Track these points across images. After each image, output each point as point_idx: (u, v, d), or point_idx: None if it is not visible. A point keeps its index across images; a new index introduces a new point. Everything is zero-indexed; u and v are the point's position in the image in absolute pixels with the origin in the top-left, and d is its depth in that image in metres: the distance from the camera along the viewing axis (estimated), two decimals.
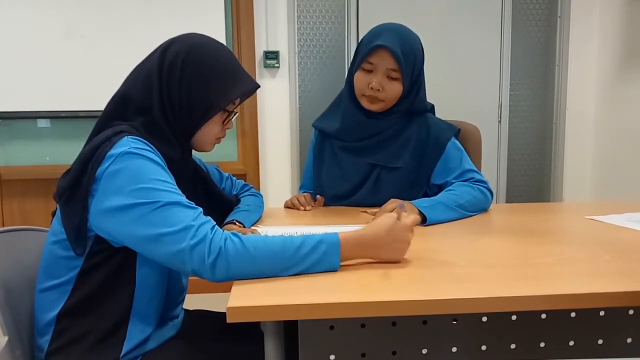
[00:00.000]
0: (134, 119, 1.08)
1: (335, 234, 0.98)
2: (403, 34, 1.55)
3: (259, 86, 1.20)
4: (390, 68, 1.52)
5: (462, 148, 1.63)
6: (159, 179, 0.98)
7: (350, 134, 1.64)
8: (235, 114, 1.20)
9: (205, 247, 0.92)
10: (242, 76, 1.16)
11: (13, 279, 1.09)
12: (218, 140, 1.21)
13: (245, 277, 0.94)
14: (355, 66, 1.58)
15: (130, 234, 0.96)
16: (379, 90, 1.53)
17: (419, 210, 1.36)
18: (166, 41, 1.13)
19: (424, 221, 1.37)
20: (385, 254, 1.01)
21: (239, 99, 1.17)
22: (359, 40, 1.62)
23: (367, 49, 1.53)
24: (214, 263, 0.92)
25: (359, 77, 1.57)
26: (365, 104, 1.58)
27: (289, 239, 0.96)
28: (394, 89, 1.55)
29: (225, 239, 0.94)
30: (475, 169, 1.61)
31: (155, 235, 0.94)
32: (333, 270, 0.97)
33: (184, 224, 0.94)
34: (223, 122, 1.17)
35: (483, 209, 1.55)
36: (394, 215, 1.02)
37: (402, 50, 1.51)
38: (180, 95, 1.08)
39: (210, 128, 1.15)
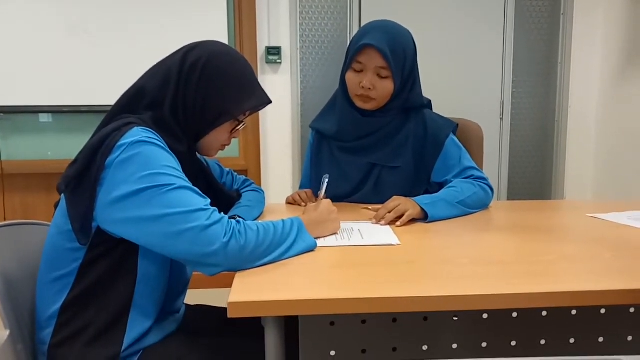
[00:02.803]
0: (143, 113, 1.09)
1: (297, 217, 1.12)
2: (391, 31, 1.53)
3: (271, 102, 1.23)
4: (380, 66, 1.51)
5: (461, 144, 1.63)
6: (170, 166, 0.99)
7: (348, 134, 1.64)
8: (243, 125, 1.22)
9: (222, 226, 0.96)
10: (257, 89, 1.20)
11: (14, 273, 1.10)
12: (223, 147, 1.23)
13: (252, 258, 0.99)
14: (345, 66, 1.59)
15: (137, 218, 0.95)
16: (370, 89, 1.53)
17: (421, 208, 1.36)
18: (190, 44, 1.16)
19: (425, 218, 1.37)
20: (324, 229, 1.19)
21: (249, 111, 1.20)
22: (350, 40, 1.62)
23: (355, 49, 1.53)
24: (228, 242, 0.95)
25: (350, 77, 1.57)
26: (358, 103, 1.58)
27: (270, 222, 1.06)
28: (385, 87, 1.54)
29: (236, 223, 1.01)
30: (475, 165, 1.61)
31: (167, 214, 0.94)
32: (311, 247, 1.09)
33: (198, 206, 0.97)
34: (231, 131, 1.20)
35: (484, 205, 1.55)
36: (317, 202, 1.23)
37: (390, 48, 1.50)
38: (195, 98, 1.11)
39: (218, 134, 1.18)
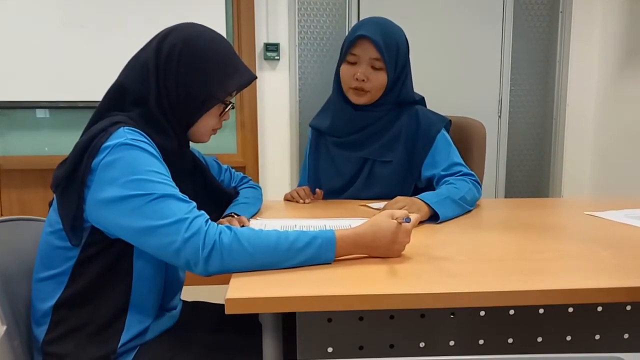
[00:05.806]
0: (130, 110, 1.07)
1: (332, 230, 0.98)
2: (384, 25, 1.57)
3: (256, 77, 1.18)
4: (374, 57, 1.54)
5: (451, 141, 1.63)
6: (154, 171, 0.97)
7: (341, 129, 1.65)
8: (232, 106, 1.19)
9: (200, 240, 0.92)
10: (240, 67, 1.14)
11: (11, 269, 1.09)
12: (214, 131, 1.20)
13: (238, 271, 0.93)
14: (340, 60, 1.61)
15: (124, 226, 0.95)
16: (364, 80, 1.55)
17: (429, 207, 1.33)
18: (163, 30, 1.12)
19: (433, 218, 1.33)
20: (381, 254, 1.01)
21: (235, 91, 1.16)
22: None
23: (349, 41, 1.56)
24: (208, 256, 0.92)
25: (344, 69, 1.59)
26: (352, 97, 1.59)
27: (284, 233, 0.96)
28: (379, 79, 1.56)
29: (220, 233, 0.94)
30: (463, 162, 1.60)
31: (148, 228, 0.93)
32: (325, 262, 0.97)
33: (177, 217, 0.93)
34: (220, 114, 1.16)
35: (476, 201, 1.54)
36: (394, 222, 0.99)
37: (383, 40, 1.53)
38: (177, 87, 1.07)
39: (207, 120, 1.14)
